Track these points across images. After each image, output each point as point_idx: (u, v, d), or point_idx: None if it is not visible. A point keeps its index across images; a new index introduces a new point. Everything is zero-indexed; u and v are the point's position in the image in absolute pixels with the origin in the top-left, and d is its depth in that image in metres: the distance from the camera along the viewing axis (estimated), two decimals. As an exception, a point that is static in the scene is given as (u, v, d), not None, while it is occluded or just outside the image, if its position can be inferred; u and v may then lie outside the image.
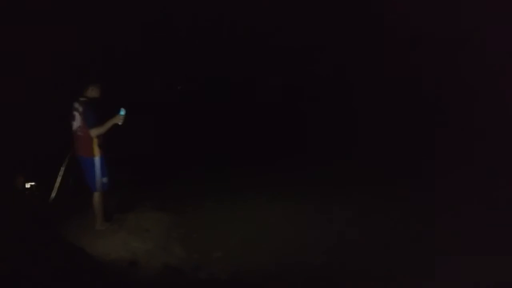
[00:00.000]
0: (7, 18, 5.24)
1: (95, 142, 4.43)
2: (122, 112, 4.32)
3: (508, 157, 5.59)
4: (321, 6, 7.60)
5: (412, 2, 6.49)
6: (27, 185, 5.22)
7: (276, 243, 4.54)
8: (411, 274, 3.55)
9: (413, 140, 6.85)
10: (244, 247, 4.50)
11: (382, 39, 7.42)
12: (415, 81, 7.19)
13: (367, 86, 7.87)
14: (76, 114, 4.40)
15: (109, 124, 4.37)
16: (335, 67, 8.19)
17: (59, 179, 5.35)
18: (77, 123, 4.42)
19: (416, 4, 6.43)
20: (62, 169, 5.35)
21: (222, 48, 8.45)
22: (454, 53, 6.69)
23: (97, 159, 4.49)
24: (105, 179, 4.57)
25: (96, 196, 4.58)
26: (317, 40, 8.08)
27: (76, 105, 4.40)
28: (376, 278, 3.58)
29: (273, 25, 7.95)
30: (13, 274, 2.58)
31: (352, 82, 8.18)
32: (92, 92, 4.44)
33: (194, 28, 8.12)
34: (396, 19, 6.77)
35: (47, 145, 5.48)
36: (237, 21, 8.05)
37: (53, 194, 5.25)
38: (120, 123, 4.36)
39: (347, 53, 7.92)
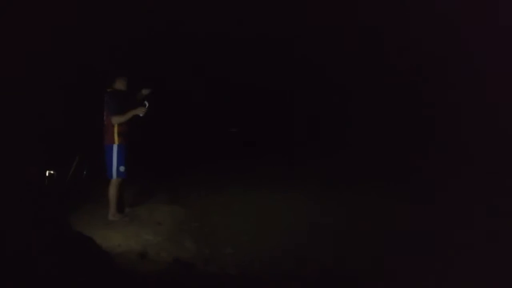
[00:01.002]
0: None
1: (116, 130, 4.57)
2: (146, 104, 4.55)
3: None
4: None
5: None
6: (47, 173, 5.34)
7: (289, 240, 4.42)
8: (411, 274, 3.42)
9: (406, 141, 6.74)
10: (257, 244, 4.38)
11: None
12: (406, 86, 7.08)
13: (363, 93, 7.74)
14: (105, 105, 4.65)
15: (130, 114, 4.54)
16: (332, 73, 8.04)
17: (73, 169, 5.43)
18: (105, 113, 4.64)
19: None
20: (77, 159, 5.40)
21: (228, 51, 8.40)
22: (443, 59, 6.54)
23: (115, 147, 4.59)
24: (122, 168, 4.62)
25: (112, 185, 4.63)
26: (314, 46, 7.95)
27: (105, 96, 4.62)
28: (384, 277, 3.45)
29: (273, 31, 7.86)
30: (17, 261, 2.53)
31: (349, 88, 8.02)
32: (119, 84, 4.66)
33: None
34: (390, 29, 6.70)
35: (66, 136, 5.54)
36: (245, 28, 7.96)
37: (67, 183, 5.32)
38: (141, 115, 4.55)
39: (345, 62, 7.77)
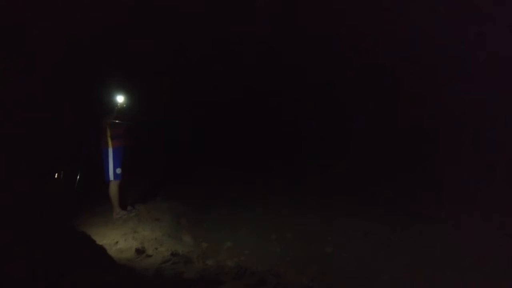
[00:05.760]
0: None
1: (108, 133, 4.60)
2: (120, 99, 4.60)
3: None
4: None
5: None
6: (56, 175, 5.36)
7: (289, 238, 4.41)
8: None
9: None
10: (255, 240, 4.35)
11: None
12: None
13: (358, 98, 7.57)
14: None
15: (113, 113, 4.58)
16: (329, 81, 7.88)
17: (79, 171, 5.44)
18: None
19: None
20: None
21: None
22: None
23: (110, 150, 4.61)
24: (118, 170, 4.63)
25: (112, 186, 4.64)
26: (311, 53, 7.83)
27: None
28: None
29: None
30: (17, 259, 2.52)
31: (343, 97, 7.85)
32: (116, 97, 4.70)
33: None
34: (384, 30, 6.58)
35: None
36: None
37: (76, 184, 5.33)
38: (120, 107, 4.60)
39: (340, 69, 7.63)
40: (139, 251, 3.73)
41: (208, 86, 8.46)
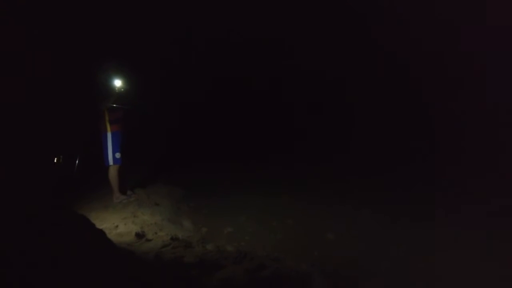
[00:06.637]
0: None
1: (107, 118, 4.62)
2: (118, 83, 4.60)
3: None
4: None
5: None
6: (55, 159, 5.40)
7: (290, 224, 4.38)
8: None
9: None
10: (256, 226, 4.32)
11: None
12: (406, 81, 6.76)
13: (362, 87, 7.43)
14: None
15: (111, 96, 4.59)
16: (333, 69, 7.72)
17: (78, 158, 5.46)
18: None
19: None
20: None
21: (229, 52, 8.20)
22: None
23: (109, 135, 4.62)
24: (117, 154, 4.64)
25: (111, 170, 4.65)
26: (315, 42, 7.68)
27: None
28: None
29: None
30: (16, 243, 2.49)
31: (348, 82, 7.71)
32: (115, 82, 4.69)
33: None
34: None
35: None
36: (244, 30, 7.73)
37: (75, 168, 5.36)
38: (118, 91, 4.62)
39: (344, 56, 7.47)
40: (139, 235, 3.71)
41: (211, 75, 8.37)
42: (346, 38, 7.30)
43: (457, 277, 3.02)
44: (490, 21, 5.36)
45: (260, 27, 7.54)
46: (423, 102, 6.38)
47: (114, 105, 4.57)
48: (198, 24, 7.53)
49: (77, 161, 4.91)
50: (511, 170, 4.59)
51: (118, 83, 4.60)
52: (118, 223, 3.97)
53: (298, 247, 3.83)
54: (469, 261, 3.18)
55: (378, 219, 4.25)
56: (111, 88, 4.61)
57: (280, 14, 7.33)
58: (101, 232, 3.41)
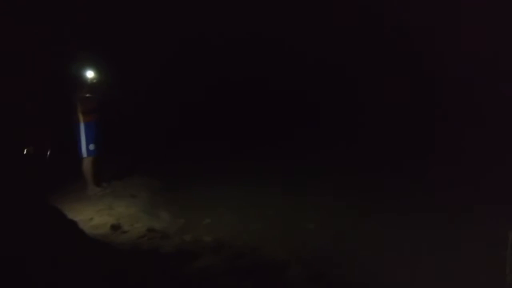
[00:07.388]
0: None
1: (79, 108, 4.55)
2: (90, 74, 4.58)
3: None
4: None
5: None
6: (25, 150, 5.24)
7: (270, 215, 4.34)
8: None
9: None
10: (235, 217, 4.28)
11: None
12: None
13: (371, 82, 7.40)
14: None
15: (84, 88, 4.55)
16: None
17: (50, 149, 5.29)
18: None
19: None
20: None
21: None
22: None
23: (82, 125, 4.56)
24: (91, 146, 4.59)
25: (86, 162, 4.59)
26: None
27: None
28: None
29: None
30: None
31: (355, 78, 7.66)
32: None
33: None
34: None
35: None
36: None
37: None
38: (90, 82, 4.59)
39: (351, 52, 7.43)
40: (115, 227, 3.64)
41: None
42: (361, 36, 7.24)
43: (431, 264, 3.08)
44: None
45: (270, 26, 7.45)
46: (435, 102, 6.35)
47: (87, 95, 4.47)
48: (197, 24, 7.41)
49: (48, 152, 4.76)
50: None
51: (90, 74, 4.57)
52: (93, 215, 3.90)
53: (277, 237, 3.83)
54: (443, 248, 3.25)
55: (362, 211, 4.26)
56: (83, 78, 4.56)
57: (291, 12, 7.28)
58: (73, 223, 3.33)
